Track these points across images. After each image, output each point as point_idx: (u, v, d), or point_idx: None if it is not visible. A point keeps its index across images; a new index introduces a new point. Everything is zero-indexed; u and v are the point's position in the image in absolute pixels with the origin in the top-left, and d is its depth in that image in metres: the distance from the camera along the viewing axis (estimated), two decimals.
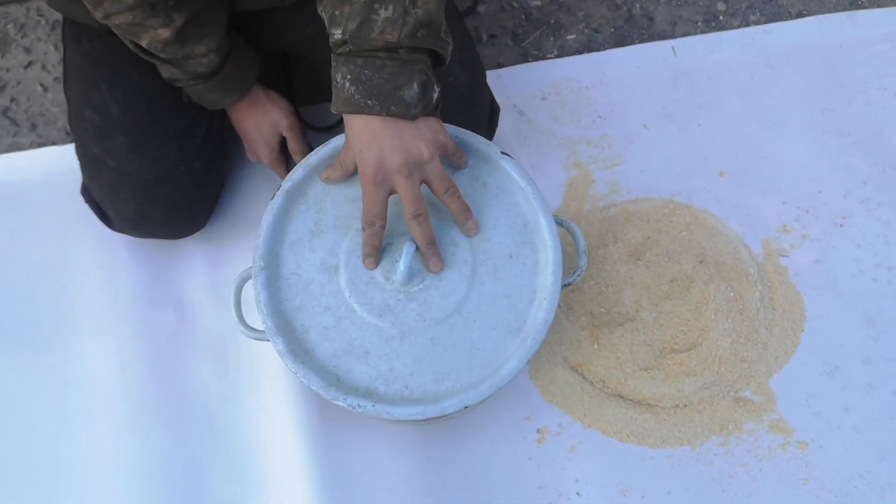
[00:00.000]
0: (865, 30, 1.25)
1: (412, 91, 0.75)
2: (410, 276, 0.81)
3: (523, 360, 0.80)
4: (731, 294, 1.08)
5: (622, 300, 1.08)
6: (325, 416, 1.06)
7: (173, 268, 1.15)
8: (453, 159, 0.82)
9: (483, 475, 1.04)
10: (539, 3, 1.32)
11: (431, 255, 0.81)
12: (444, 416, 0.91)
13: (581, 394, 1.07)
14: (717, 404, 1.06)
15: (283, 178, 1.08)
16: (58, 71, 1.30)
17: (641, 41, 1.28)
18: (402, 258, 0.79)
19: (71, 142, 1.23)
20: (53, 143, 1.25)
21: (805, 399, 1.06)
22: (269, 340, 0.85)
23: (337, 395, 0.78)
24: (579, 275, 0.88)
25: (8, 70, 1.30)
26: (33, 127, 1.27)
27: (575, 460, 1.04)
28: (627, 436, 1.05)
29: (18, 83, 1.30)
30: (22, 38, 1.32)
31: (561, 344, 1.08)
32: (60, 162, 1.21)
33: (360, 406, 0.78)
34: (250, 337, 0.86)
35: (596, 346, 1.07)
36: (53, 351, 1.12)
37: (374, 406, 0.78)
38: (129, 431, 1.08)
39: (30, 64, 1.31)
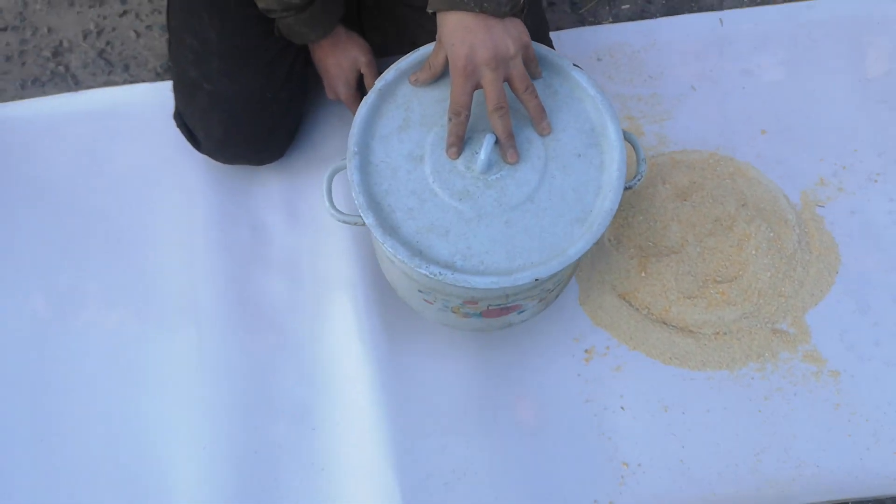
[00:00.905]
0: None
1: None
2: (489, 166, 0.90)
3: (589, 242, 0.88)
4: (771, 234, 1.16)
5: (668, 235, 1.16)
6: (388, 327, 1.14)
7: (251, 193, 1.25)
8: (530, 67, 0.92)
9: (534, 387, 1.12)
10: None
11: (509, 147, 0.90)
12: (510, 307, 0.99)
13: (628, 319, 1.14)
14: (755, 333, 1.13)
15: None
16: (151, 20, 1.41)
17: (691, 13, 1.38)
18: (483, 148, 0.88)
19: (161, 80, 1.35)
20: (144, 82, 1.36)
21: (838, 333, 1.13)
22: (355, 223, 0.94)
23: (420, 264, 0.87)
24: (639, 179, 0.97)
25: (104, 17, 1.42)
26: (126, 67, 1.38)
27: (620, 378, 1.12)
28: (670, 358, 1.12)
29: (114, 29, 1.41)
30: None
31: (610, 273, 1.16)
32: (152, 97, 1.31)
33: (440, 274, 0.86)
34: (338, 219, 0.95)
35: (643, 275, 1.15)
36: (136, 262, 1.21)
37: (453, 275, 0.86)
38: (203, 335, 1.16)
39: (124, 13, 1.42)
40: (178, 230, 1.23)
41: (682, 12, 1.38)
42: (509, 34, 0.86)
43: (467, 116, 0.89)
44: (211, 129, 1.16)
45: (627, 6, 1.39)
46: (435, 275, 0.86)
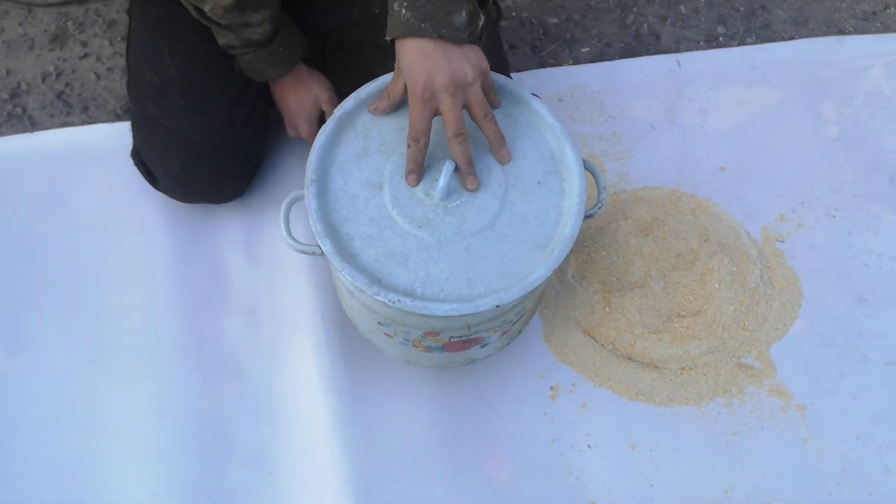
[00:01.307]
0: (852, 52, 1.38)
1: (461, 17, 0.85)
2: (449, 193, 0.89)
3: (550, 268, 0.87)
4: (734, 268, 1.16)
5: (632, 269, 1.16)
6: (349, 366, 1.12)
7: (210, 233, 1.23)
8: (489, 95, 0.92)
9: (499, 426, 1.09)
10: (556, 21, 1.45)
11: (469, 174, 0.89)
12: (472, 338, 0.97)
13: (593, 355, 1.13)
14: (720, 368, 1.12)
15: None
16: (112, 62, 1.40)
17: (649, 55, 1.40)
18: (442, 174, 0.87)
19: (121, 121, 1.33)
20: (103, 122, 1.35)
21: (803, 367, 1.13)
22: (313, 253, 0.92)
23: (378, 291, 0.85)
24: (600, 207, 0.96)
25: (65, 60, 1.41)
26: (85, 109, 1.37)
27: (586, 416, 1.10)
28: (636, 394, 1.10)
29: (73, 71, 1.40)
30: (80, 34, 1.44)
31: (574, 309, 1.15)
32: (110, 137, 1.30)
33: (399, 301, 0.84)
34: (295, 249, 0.93)
35: (607, 310, 1.14)
36: (91, 302, 1.18)
37: (412, 302, 0.84)
38: (159, 377, 1.13)
39: (85, 55, 1.42)
40: (135, 272, 1.20)
41: (641, 55, 1.40)
42: (468, 60, 0.87)
43: (426, 143, 0.88)
44: (169, 165, 1.15)
45: (587, 49, 1.42)
46: (394, 302, 0.84)
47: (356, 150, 0.93)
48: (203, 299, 1.18)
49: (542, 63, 1.40)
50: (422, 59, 0.86)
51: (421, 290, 0.86)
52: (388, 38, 0.88)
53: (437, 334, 0.96)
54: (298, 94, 1.18)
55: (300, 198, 0.95)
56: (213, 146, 1.14)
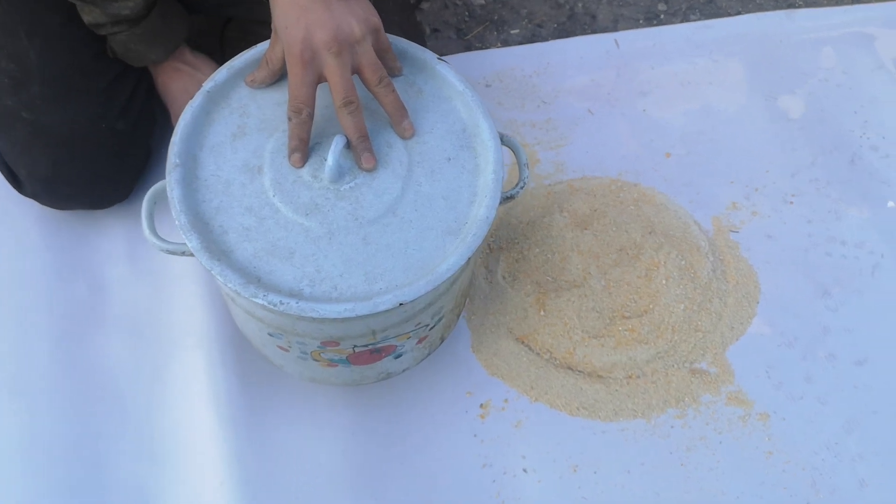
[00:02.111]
0: (803, 26, 1.27)
1: None
2: (340, 174, 0.75)
3: (463, 257, 0.73)
4: (682, 263, 1.03)
5: (569, 267, 1.02)
6: (245, 389, 0.97)
7: (89, 241, 1.07)
8: (386, 59, 0.78)
9: (422, 452, 0.94)
10: (482, 2, 1.32)
11: (364, 150, 0.75)
12: (376, 356, 0.83)
13: (527, 365, 0.99)
14: (671, 375, 0.98)
15: None
16: None
17: (584, 35, 1.28)
18: (331, 152, 0.73)
19: None
20: None
21: (764, 370, 1.00)
22: (182, 253, 0.78)
23: (256, 293, 0.70)
24: (522, 187, 0.83)
25: None
26: None
27: (521, 435, 0.95)
28: (577, 408, 0.97)
29: None
30: None
31: (505, 314, 1.01)
32: None
33: (282, 303, 0.70)
34: (160, 249, 0.78)
35: (542, 314, 1.00)
36: None
37: (297, 304, 0.70)
38: (30, 409, 0.97)
39: None
40: (2, 290, 1.04)
41: (575, 35, 1.28)
42: (353, 13, 0.73)
43: (310, 114, 0.74)
44: (34, 166, 0.99)
45: (517, 31, 1.29)
46: (275, 305, 0.70)
47: (231, 129, 0.79)
48: (80, 319, 1.02)
49: (469, 47, 1.27)
50: (298, 13, 0.72)
51: (309, 289, 0.72)
52: None
53: (338, 343, 0.82)
54: (184, 81, 1.03)
55: (162, 189, 0.80)
56: (84, 143, 0.99)
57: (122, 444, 0.95)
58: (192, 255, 0.78)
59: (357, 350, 0.83)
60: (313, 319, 0.73)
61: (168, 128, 1.12)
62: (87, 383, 0.98)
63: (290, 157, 0.76)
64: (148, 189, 1.08)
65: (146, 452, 0.94)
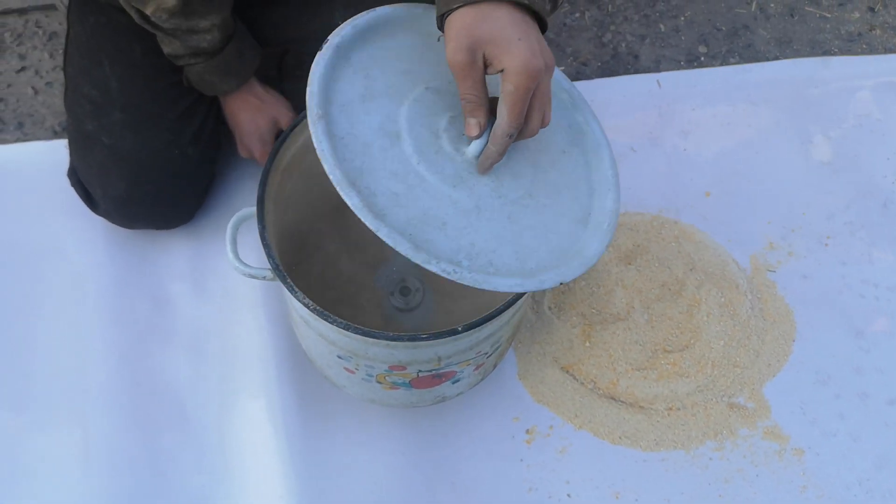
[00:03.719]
0: (839, 73, 1.32)
1: None
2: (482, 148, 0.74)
3: (604, 243, 0.77)
4: (722, 300, 1.07)
5: (613, 301, 1.07)
6: (304, 406, 1.01)
7: (154, 261, 1.12)
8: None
9: (471, 474, 0.99)
10: None
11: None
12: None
13: (572, 394, 1.03)
14: (710, 409, 1.03)
15: None
16: (50, 77, 1.30)
17: (627, 74, 1.33)
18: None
19: (59, 139, 1.22)
20: (38, 140, 1.24)
21: (799, 407, 1.04)
22: (263, 278, 0.83)
23: (428, 259, 0.70)
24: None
25: (0, 73, 1.30)
26: (20, 125, 1.26)
27: (566, 462, 1.00)
28: (620, 437, 1.01)
29: (9, 86, 1.29)
30: (18, 45, 1.33)
31: (551, 344, 1.06)
32: (46, 155, 1.19)
33: (455, 271, 0.70)
34: (244, 273, 0.83)
35: (588, 345, 1.05)
36: (18, 336, 1.06)
37: (470, 274, 0.70)
38: (90, 423, 1.01)
39: (23, 69, 1.31)
40: (68, 304, 1.09)
41: (619, 74, 1.33)
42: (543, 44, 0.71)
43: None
44: (109, 187, 1.04)
45: (562, 68, 1.34)
46: (448, 273, 0.70)
47: (358, 89, 0.75)
48: (143, 334, 1.07)
49: None
50: (525, 29, 0.68)
51: (467, 262, 0.72)
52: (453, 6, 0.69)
53: (405, 368, 0.86)
54: (252, 111, 1.08)
55: (249, 216, 0.85)
56: (157, 167, 1.04)
57: (182, 459, 0.99)
58: (273, 279, 0.83)
59: (421, 375, 0.87)
60: (391, 345, 0.77)
61: (230, 154, 1.17)
62: (149, 399, 1.03)
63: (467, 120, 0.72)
64: (211, 211, 1.15)
65: (206, 467, 0.99)
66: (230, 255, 0.84)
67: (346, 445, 0.99)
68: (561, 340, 1.06)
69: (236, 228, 0.85)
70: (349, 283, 1.05)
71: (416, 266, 0.71)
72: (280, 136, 0.89)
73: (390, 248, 0.70)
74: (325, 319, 0.79)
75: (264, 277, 0.85)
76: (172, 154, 1.04)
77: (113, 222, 1.09)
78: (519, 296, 0.82)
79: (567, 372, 1.04)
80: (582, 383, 1.04)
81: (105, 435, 1.00)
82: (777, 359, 1.07)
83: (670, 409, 1.02)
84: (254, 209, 0.85)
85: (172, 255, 1.12)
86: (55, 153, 1.18)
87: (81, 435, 1.00)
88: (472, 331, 0.80)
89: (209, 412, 1.02)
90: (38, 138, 1.24)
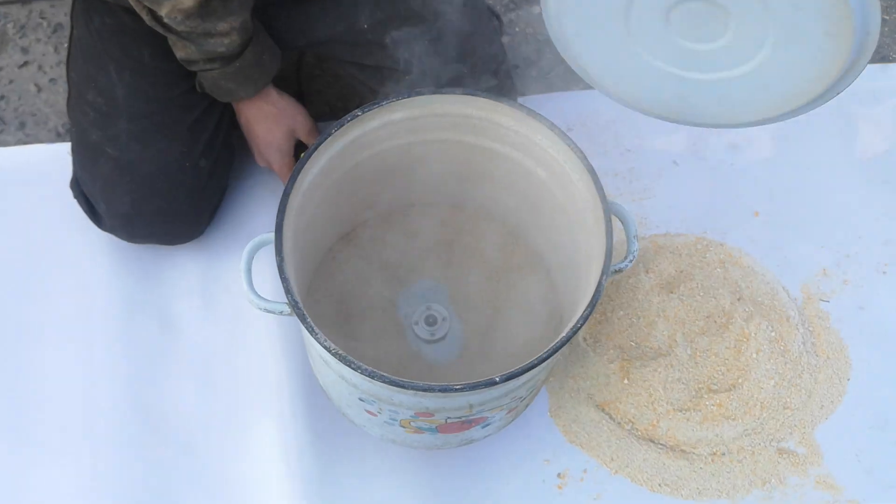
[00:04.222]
0: None
1: None
2: None
3: None
4: (773, 334, 0.99)
5: (655, 334, 0.99)
6: (318, 444, 0.94)
7: (162, 279, 1.05)
8: None
9: None
10: None
11: None
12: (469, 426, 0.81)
13: (608, 435, 0.96)
14: (758, 454, 0.95)
15: None
16: (55, 72, 1.22)
17: None
18: None
19: (62, 141, 1.15)
20: (42, 143, 1.17)
21: (854, 454, 0.96)
22: (280, 312, 0.77)
23: None
24: (631, 260, 0.81)
25: (1, 68, 1.23)
26: (21, 125, 1.18)
27: None
28: (659, 485, 0.94)
29: (11, 81, 1.22)
30: (21, 38, 1.25)
31: (586, 379, 0.98)
32: (48, 161, 1.12)
33: None
34: (259, 307, 0.77)
35: (626, 382, 0.97)
36: (15, 358, 1.00)
37: None
38: (94, 453, 0.95)
39: (25, 64, 1.23)
40: (70, 323, 1.02)
41: None
42: None
43: None
44: (115, 202, 0.97)
45: None
46: None
47: None
48: (150, 357, 1.00)
49: (550, 86, 1.23)
50: None
51: None
52: None
53: (432, 414, 0.80)
54: (268, 121, 1.00)
55: (266, 243, 0.79)
56: (167, 181, 0.97)
57: (192, 494, 0.93)
58: (291, 314, 0.76)
59: (449, 421, 0.81)
60: (426, 392, 0.71)
61: (245, 163, 1.09)
62: (156, 429, 0.96)
63: None
64: (223, 224, 1.07)
65: (216, 502, 0.92)
66: (245, 286, 0.78)
67: (364, 486, 0.93)
68: (597, 376, 0.98)
69: (252, 256, 0.78)
70: (370, 310, 0.98)
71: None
72: (300, 160, 0.82)
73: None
74: (349, 365, 0.73)
75: (281, 312, 0.79)
76: (183, 166, 0.97)
77: (118, 237, 1.02)
78: (565, 341, 0.75)
79: (603, 410, 0.97)
80: (619, 424, 0.96)
81: (113, 467, 0.95)
82: (830, 400, 0.99)
83: (714, 454, 0.95)
84: (271, 235, 0.79)
85: (182, 271, 1.05)
86: (59, 158, 1.10)
87: (87, 460, 0.95)
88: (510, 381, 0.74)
89: (218, 446, 0.96)
90: (41, 140, 1.17)
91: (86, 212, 1.01)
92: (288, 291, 0.76)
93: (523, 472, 0.94)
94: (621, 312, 1.00)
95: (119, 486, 0.94)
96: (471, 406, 0.79)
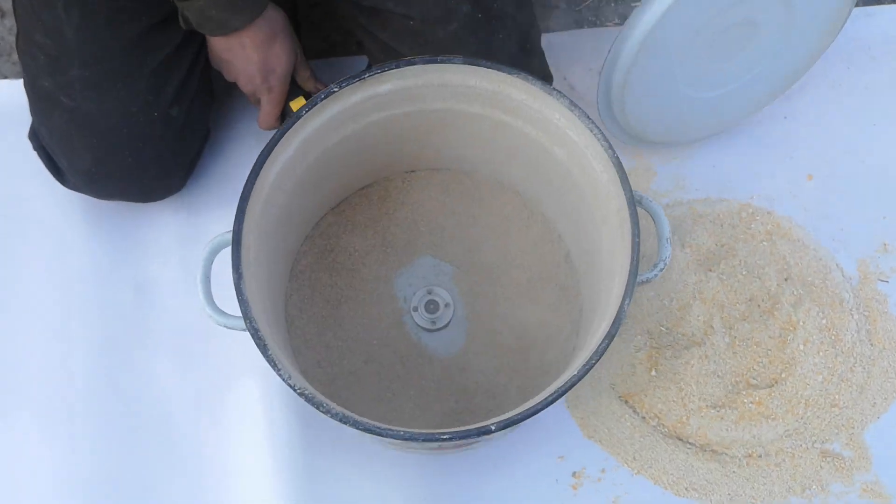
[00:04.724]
0: None
1: None
2: None
3: None
4: (824, 321, 0.87)
5: (689, 319, 0.87)
6: (309, 435, 0.85)
7: (137, 239, 0.94)
8: None
9: None
10: None
11: None
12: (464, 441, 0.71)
13: (631, 431, 0.86)
14: (799, 457, 0.85)
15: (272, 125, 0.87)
16: None
17: None
18: None
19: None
20: (5, 78, 1.04)
21: None
22: (242, 329, 0.65)
23: None
24: (662, 268, 0.70)
25: None
26: None
27: None
28: (686, 489, 0.84)
29: None
30: None
31: (608, 367, 0.87)
32: (10, 100, 0.99)
33: None
34: (219, 323, 0.66)
35: (653, 374, 0.86)
36: None
37: None
38: (65, 435, 0.87)
39: None
40: (39, 288, 0.92)
41: None
42: None
43: None
44: (75, 159, 0.85)
45: (638, 2, 1.09)
46: None
47: None
48: (124, 333, 0.91)
49: (580, 22, 1.08)
50: None
51: None
52: None
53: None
54: (264, 47, 0.84)
55: (227, 245, 0.67)
56: (131, 134, 0.84)
57: (172, 481, 0.85)
58: (257, 336, 0.65)
59: (457, 443, 0.71)
60: (437, 441, 0.63)
61: (232, 105, 0.96)
62: (131, 408, 0.88)
63: None
64: (205, 176, 0.95)
65: (198, 494, 0.84)
66: (202, 299, 0.67)
67: (361, 489, 0.84)
68: (621, 364, 0.87)
69: (211, 261, 0.67)
70: (365, 292, 0.87)
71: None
72: (263, 151, 0.70)
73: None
74: (319, 409, 0.64)
75: (244, 329, 0.67)
76: (150, 116, 0.84)
77: (86, 194, 0.91)
78: (575, 381, 0.65)
79: (626, 403, 0.86)
80: (644, 419, 0.86)
81: (87, 451, 0.87)
82: (884, 396, 0.88)
83: (750, 456, 0.85)
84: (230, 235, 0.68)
85: (159, 231, 0.94)
86: (22, 96, 0.98)
87: (54, 451, 0.86)
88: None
89: (198, 428, 0.87)
90: (3, 74, 1.04)
91: (47, 167, 0.89)
92: (247, 317, 0.65)
93: (534, 470, 0.85)
94: (651, 293, 0.89)
95: (94, 467, 0.86)
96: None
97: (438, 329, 0.85)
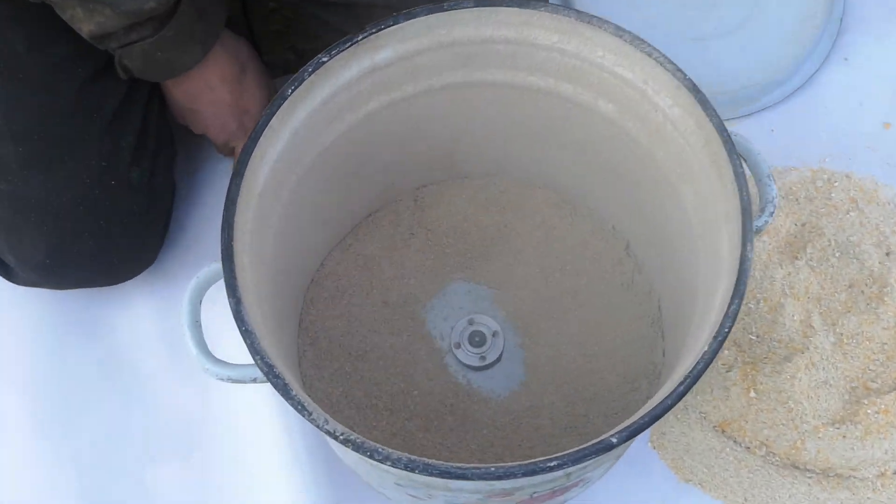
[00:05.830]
0: None
1: None
2: None
3: None
4: None
5: (782, 321, 0.72)
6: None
7: (106, 321, 0.79)
8: None
9: None
10: None
11: None
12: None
13: (736, 467, 0.71)
14: None
15: None
16: None
17: None
18: None
19: None
20: None
21: None
22: (254, 381, 0.54)
23: None
24: (772, 212, 0.58)
25: None
26: None
27: None
28: None
29: None
30: None
31: (696, 394, 0.73)
32: None
33: None
34: (220, 378, 0.54)
35: (752, 395, 0.71)
36: None
37: None
38: None
39: None
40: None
41: None
42: None
43: None
44: (24, 252, 0.71)
45: None
46: None
47: None
48: (106, 437, 0.76)
49: None
50: None
51: None
52: None
53: (511, 494, 0.57)
54: (230, 83, 0.71)
55: (216, 277, 0.55)
56: (89, 213, 0.70)
57: None
58: (265, 381, 0.51)
59: (536, 496, 0.58)
60: (501, 480, 0.49)
61: (198, 152, 0.81)
62: None
63: None
64: (180, 243, 0.80)
65: None
66: (194, 349, 0.54)
67: None
68: (711, 388, 0.72)
69: (199, 300, 0.56)
70: (393, 336, 0.72)
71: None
72: (247, 144, 0.55)
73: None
74: (367, 455, 0.49)
75: (255, 380, 0.55)
76: (108, 187, 0.70)
77: (43, 288, 0.76)
78: (676, 398, 0.51)
79: (724, 433, 0.72)
80: (748, 449, 0.71)
81: None
82: None
83: (883, 475, 0.70)
84: (220, 265, 0.55)
85: (133, 311, 0.79)
86: None
87: None
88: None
89: None
90: None
91: None
92: (256, 352, 0.51)
93: None
94: None
95: None
96: (568, 475, 0.56)
97: (490, 365, 0.70)
